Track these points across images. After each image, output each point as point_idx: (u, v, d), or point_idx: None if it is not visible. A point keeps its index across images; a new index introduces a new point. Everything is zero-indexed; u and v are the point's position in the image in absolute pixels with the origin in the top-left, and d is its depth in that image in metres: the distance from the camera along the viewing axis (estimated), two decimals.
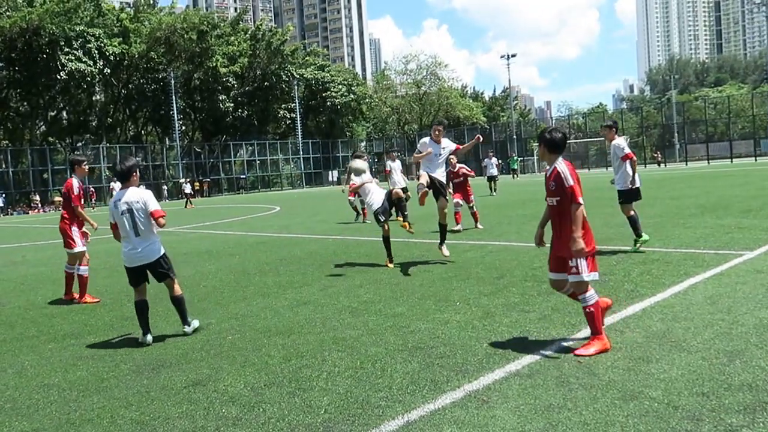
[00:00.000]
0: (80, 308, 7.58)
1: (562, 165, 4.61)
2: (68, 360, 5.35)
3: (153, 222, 5.80)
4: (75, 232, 8.10)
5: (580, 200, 4.51)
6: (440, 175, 9.16)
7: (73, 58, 52.12)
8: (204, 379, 4.64)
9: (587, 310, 4.58)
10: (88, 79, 53.60)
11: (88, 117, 61.35)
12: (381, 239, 9.41)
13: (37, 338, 6.21)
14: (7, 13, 50.55)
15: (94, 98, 60.12)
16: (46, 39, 50.83)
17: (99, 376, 4.86)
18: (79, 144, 59.74)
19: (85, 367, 5.11)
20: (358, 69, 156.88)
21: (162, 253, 5.92)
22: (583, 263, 4.54)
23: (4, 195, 47.68)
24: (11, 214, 44.91)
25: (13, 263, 12.50)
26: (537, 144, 5.05)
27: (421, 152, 9.02)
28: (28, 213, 46.03)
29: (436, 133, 9.14)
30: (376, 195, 9.33)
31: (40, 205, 48.70)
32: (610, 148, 9.23)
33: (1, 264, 12.40)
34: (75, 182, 8.02)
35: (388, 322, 5.85)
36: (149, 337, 5.71)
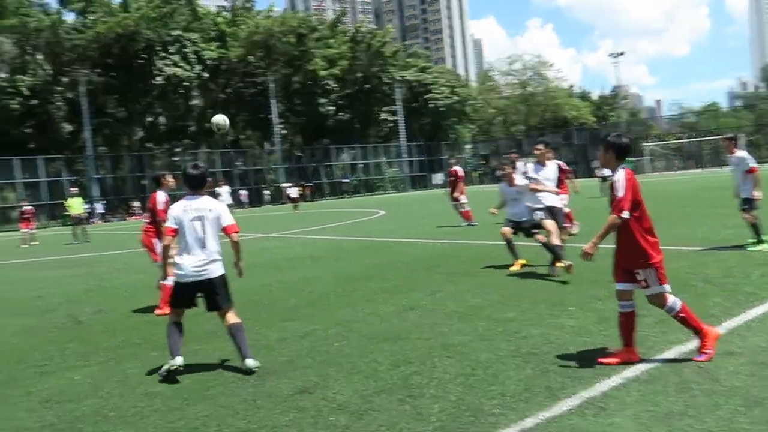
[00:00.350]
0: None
1: (620, 174, 4.70)
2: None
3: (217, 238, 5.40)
4: (157, 244, 8.34)
5: (623, 214, 4.58)
6: (551, 199, 9.10)
7: (169, 62, 55.39)
8: (311, 386, 4.74)
9: (678, 317, 4.74)
10: (186, 83, 56.73)
11: (186, 122, 64.87)
12: (504, 242, 9.54)
13: (140, 346, 6.52)
14: (103, 19, 54.44)
15: (191, 103, 63.50)
16: (142, 44, 54.34)
17: (203, 384, 5.02)
18: (177, 150, 63.25)
19: (189, 375, 5.28)
20: (461, 70, 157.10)
21: (224, 272, 5.46)
22: (652, 275, 4.64)
23: (105, 202, 51.25)
24: (110, 221, 48.09)
25: (116, 270, 13.32)
26: (600, 148, 5.06)
27: (533, 179, 9.11)
28: (126, 219, 49.14)
29: (538, 152, 9.22)
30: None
31: (139, 211, 52.13)
32: (732, 160, 10.01)
33: (104, 271, 13.23)
34: (161, 196, 8.34)
35: (498, 328, 5.99)
36: (179, 359, 5.18)
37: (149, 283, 10.99)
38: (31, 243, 24.48)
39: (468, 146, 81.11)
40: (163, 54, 55.44)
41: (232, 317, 5.43)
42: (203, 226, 5.34)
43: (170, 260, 5.57)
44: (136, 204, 52.81)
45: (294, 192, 36.39)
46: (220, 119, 8.39)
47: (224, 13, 66.86)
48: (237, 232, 5.52)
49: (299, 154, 67.80)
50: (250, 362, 5.21)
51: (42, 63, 56.29)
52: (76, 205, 24.57)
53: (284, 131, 66.43)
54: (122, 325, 7.63)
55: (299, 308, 7.75)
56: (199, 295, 5.38)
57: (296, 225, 23.82)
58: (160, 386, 5.07)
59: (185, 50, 56.57)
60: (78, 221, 24.49)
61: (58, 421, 4.49)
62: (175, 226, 5.35)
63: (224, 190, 29.35)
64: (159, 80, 55.12)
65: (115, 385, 5.19)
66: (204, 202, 5.44)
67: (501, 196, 9.88)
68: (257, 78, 62.97)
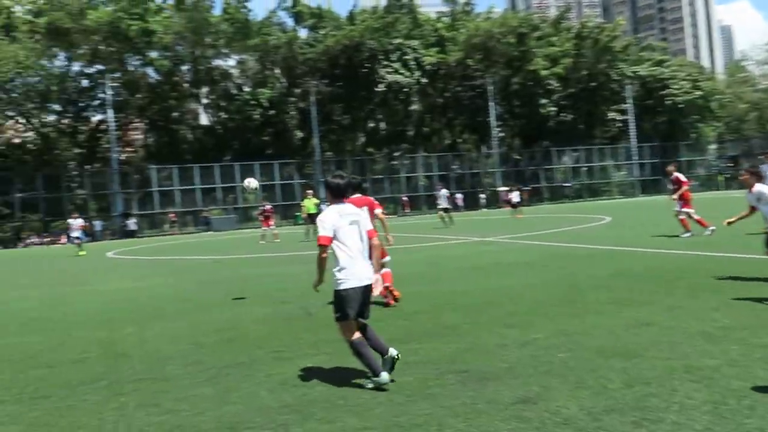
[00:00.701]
0: (403, 314, 8.19)
1: None
2: (396, 364, 5.77)
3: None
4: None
5: None
6: None
7: (391, 70, 57.87)
8: (533, 396, 4.64)
9: None
10: (406, 89, 58.91)
11: (404, 127, 67.30)
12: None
13: None
14: (332, 33, 58.39)
15: (410, 108, 65.78)
16: (366, 54, 57.41)
17: (425, 383, 5.15)
18: (396, 154, 65.82)
19: (411, 372, 5.46)
20: (705, 62, 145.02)
21: None
22: None
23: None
24: None
25: None
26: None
27: None
28: None
29: None
30: None
31: None
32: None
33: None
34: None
35: (755, 353, 5.34)
36: (393, 351, 5.21)
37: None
38: (274, 240, 27.04)
39: (712, 147, 74.50)
40: (386, 62, 58.07)
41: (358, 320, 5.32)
42: (360, 230, 5.35)
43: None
44: None
45: (515, 196, 35.99)
46: (252, 184, 10.80)
47: (444, 18, 68.36)
48: (375, 236, 5.53)
49: (517, 157, 67.21)
50: (393, 351, 5.22)
51: (279, 77, 61.80)
52: (311, 206, 26.72)
53: (502, 134, 66.27)
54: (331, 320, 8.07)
55: (518, 315, 7.64)
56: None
57: (514, 230, 23.60)
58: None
59: (406, 57, 58.75)
60: (311, 221, 26.56)
61: (294, 402, 4.87)
62: (330, 235, 5.21)
63: (442, 193, 29.95)
64: (381, 87, 57.80)
65: (341, 376, 5.50)
66: (351, 208, 5.42)
67: (748, 204, 9.06)
68: (475, 81, 63.52)
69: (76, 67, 57.05)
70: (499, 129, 64.15)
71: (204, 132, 63.25)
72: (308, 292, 10.58)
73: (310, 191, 29.04)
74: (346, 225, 5.28)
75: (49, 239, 48.85)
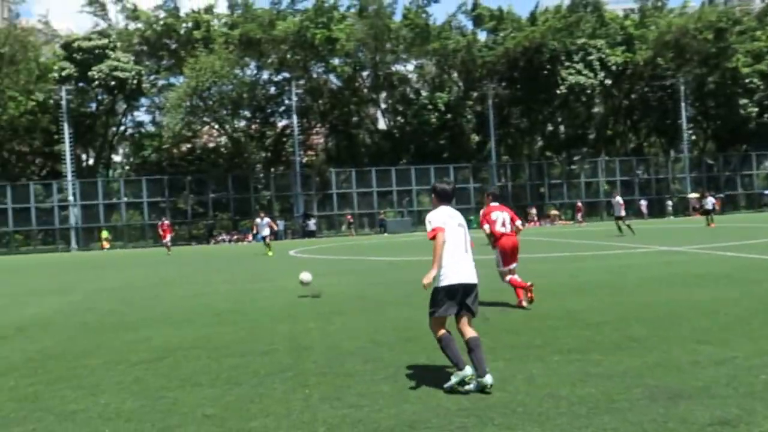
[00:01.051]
0: (584, 324, 7.94)
1: None
2: (576, 374, 5.62)
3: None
4: None
5: None
6: None
7: (573, 71, 56.16)
8: (733, 419, 4.33)
9: None
10: (588, 91, 56.90)
11: (585, 130, 65.04)
12: None
13: (543, 348, 6.72)
14: (512, 35, 57.74)
15: (592, 110, 63.44)
16: (547, 55, 56.16)
17: (609, 396, 4.96)
18: (576, 158, 63.76)
19: (593, 384, 5.29)
20: None
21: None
22: None
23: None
24: None
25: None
26: None
27: None
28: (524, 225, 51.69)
29: None
30: None
31: (536, 218, 54.34)
32: None
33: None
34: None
35: None
36: (489, 378, 5.21)
37: (548, 288, 11.33)
38: None
39: None
40: (568, 63, 56.48)
41: (471, 330, 5.49)
42: (465, 233, 5.68)
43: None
44: (533, 211, 55.11)
45: (708, 203, 33.55)
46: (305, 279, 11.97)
47: (632, 15, 65.19)
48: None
49: (710, 161, 62.53)
50: (489, 379, 5.22)
51: (456, 80, 62.20)
52: None
53: (694, 137, 62.00)
54: (524, 325, 7.98)
55: (712, 331, 7.15)
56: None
57: (704, 239, 22.02)
58: (564, 390, 5.17)
59: (590, 58, 56.76)
60: None
61: (472, 406, 4.89)
62: (441, 226, 5.54)
63: (615, 201, 28.24)
64: (561, 89, 56.30)
65: (520, 383, 5.45)
66: (455, 212, 5.79)
67: None
68: (665, 81, 59.96)
69: (264, 75, 61.15)
70: (690, 131, 60.07)
71: (382, 136, 65.11)
72: (482, 295, 10.63)
73: (490, 196, 28.95)
74: (455, 226, 5.63)
75: (237, 237, 52.77)
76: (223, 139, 64.81)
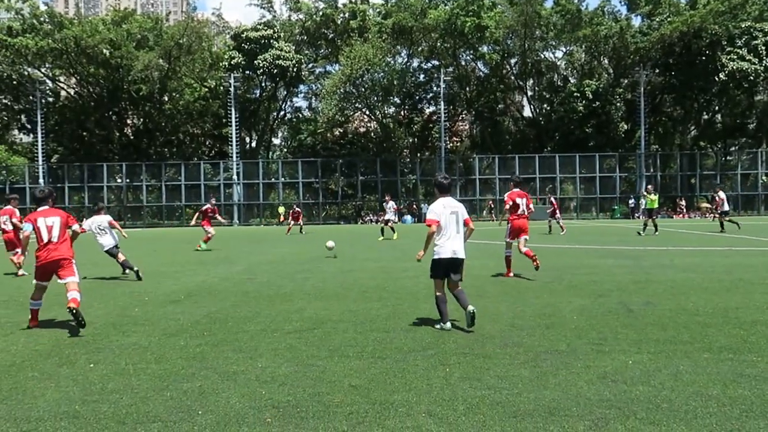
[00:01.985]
0: (737, 322, 7.41)
1: None
2: (727, 374, 5.26)
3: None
4: None
5: None
6: None
7: (734, 57, 51.90)
8: None
9: None
10: (751, 78, 52.40)
11: (745, 119, 60.18)
12: None
13: (691, 345, 6.34)
14: (668, 19, 54.18)
15: (754, 98, 58.51)
16: (707, 40, 52.23)
17: (764, 400, 4.60)
18: (732, 149, 59.29)
19: (747, 385, 4.93)
20: None
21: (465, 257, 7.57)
22: None
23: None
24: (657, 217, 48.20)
25: (660, 266, 13.27)
26: None
27: None
28: (672, 217, 48.70)
29: None
30: None
31: (685, 210, 51.12)
32: None
33: (649, 266, 13.32)
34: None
35: None
36: (471, 308, 7.24)
37: (698, 282, 10.65)
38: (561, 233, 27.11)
39: None
40: (729, 48, 52.27)
41: (456, 287, 7.51)
42: (457, 218, 7.49)
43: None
44: (682, 203, 51.96)
45: None
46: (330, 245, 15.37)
47: None
48: (467, 221, 7.63)
49: None
50: (471, 308, 7.25)
51: (606, 67, 59.48)
52: (653, 201, 25.87)
53: None
54: (671, 320, 7.56)
55: None
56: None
57: None
58: (714, 390, 4.85)
59: (755, 42, 52.17)
60: (650, 215, 25.73)
61: (614, 399, 4.71)
62: (438, 219, 7.40)
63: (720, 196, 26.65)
64: (721, 76, 52.24)
65: (666, 378, 5.18)
66: (453, 201, 7.65)
67: None
68: None
69: (414, 63, 61.58)
70: None
71: (527, 123, 63.77)
72: (626, 286, 10.24)
73: (651, 186, 27.80)
74: (448, 214, 7.47)
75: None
76: (373, 125, 66.06)
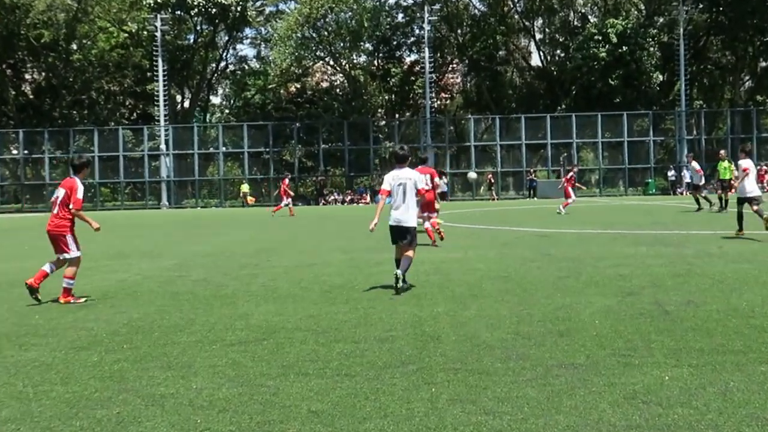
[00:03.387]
0: None
1: None
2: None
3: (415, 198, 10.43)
4: None
5: None
6: None
7: None
8: None
9: None
10: None
11: None
12: None
13: (744, 355, 6.37)
14: None
15: None
16: None
17: None
18: None
19: None
20: None
21: (413, 225, 10.49)
22: None
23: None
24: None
25: (707, 255, 13.38)
26: None
27: None
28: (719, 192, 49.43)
29: None
30: None
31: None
32: None
33: (692, 254, 13.42)
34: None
35: None
36: (399, 272, 10.00)
37: (754, 275, 10.75)
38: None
39: None
40: None
41: (411, 254, 10.38)
42: (404, 189, 10.30)
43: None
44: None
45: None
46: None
47: None
48: (421, 191, 10.48)
49: None
50: (398, 272, 10.02)
51: (636, 2, 59.65)
52: (725, 170, 25.91)
53: None
54: (719, 324, 7.60)
55: None
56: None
57: None
58: None
59: None
60: (722, 187, 26.13)
61: (645, 424, 4.70)
62: (388, 189, 10.44)
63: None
64: None
65: (712, 397, 5.19)
66: (406, 172, 10.49)
67: None
68: None
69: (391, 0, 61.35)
70: None
71: (535, 75, 63.97)
72: (662, 282, 10.31)
73: (723, 151, 28.10)
74: (396, 186, 10.37)
75: (351, 197, 53.73)
76: (339, 79, 65.90)
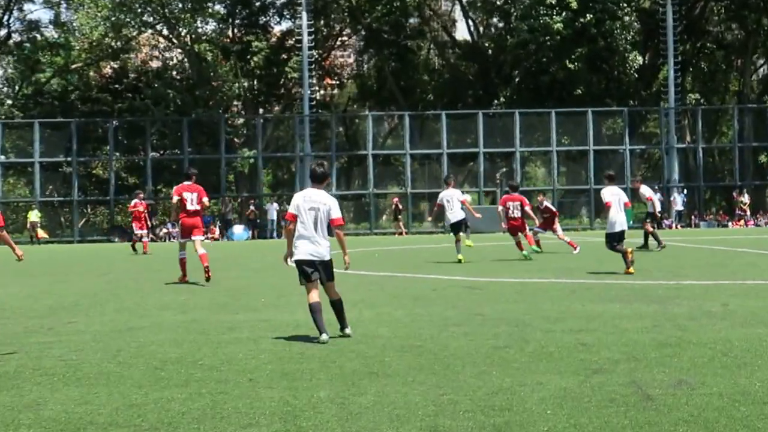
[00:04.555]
0: None
1: None
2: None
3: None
4: None
5: None
6: None
7: None
8: None
9: None
10: None
11: None
12: None
13: None
14: None
15: None
16: None
17: None
18: None
19: None
20: None
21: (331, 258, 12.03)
22: None
23: None
24: None
25: (704, 314, 13.75)
26: None
27: None
28: (728, 224, 52.56)
29: None
30: None
31: (748, 210, 53.96)
32: None
33: (684, 314, 13.77)
34: None
35: None
36: (325, 336, 11.50)
37: None
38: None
39: None
40: None
41: (334, 293, 12.01)
42: (317, 215, 11.69)
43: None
44: (743, 199, 54.02)
45: None
46: None
47: None
48: (340, 225, 11.91)
49: None
50: (348, 330, 12.02)
51: None
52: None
53: None
54: (722, 414, 7.71)
55: None
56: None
57: None
58: None
59: None
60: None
61: None
62: (295, 213, 11.70)
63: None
64: None
65: None
66: (322, 194, 11.90)
67: None
68: None
69: None
70: None
71: (461, 54, 64.75)
72: (642, 353, 10.48)
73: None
74: (306, 209, 11.66)
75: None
76: (177, 56, 65.50)
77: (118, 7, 55.54)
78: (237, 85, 63.02)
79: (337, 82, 71.19)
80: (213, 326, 13.72)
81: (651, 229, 31.20)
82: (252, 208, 53.25)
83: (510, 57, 59.21)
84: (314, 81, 56.60)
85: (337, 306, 11.90)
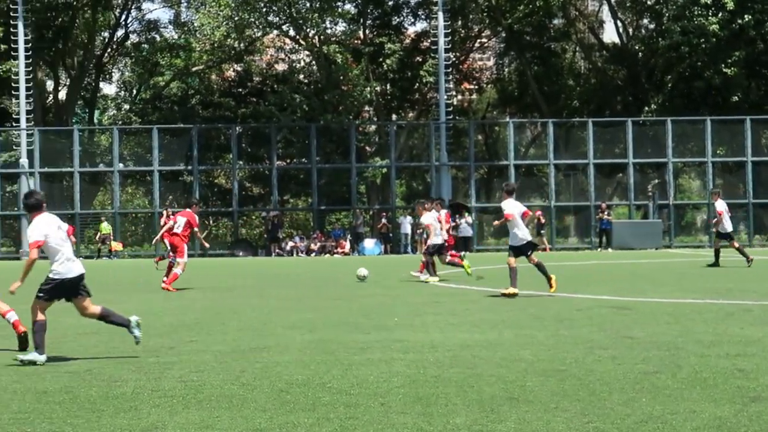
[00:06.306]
0: None
1: None
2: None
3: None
4: None
5: None
6: None
7: None
8: None
9: None
10: None
11: None
12: None
13: None
14: None
15: None
16: None
17: None
18: None
19: None
20: None
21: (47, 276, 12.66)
22: None
23: None
24: None
25: None
26: None
27: None
28: None
29: None
30: None
31: None
32: None
33: None
34: None
35: None
36: (42, 358, 11.88)
37: None
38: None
39: None
40: None
41: (93, 308, 12.72)
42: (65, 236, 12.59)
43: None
44: None
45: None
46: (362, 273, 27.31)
47: None
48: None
49: None
50: (134, 318, 12.85)
51: None
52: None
53: None
54: None
55: None
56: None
57: None
58: None
59: None
60: None
61: None
62: (44, 239, 12.08)
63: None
64: None
65: None
66: (56, 218, 12.62)
67: None
68: None
69: None
70: None
71: (609, 57, 64.41)
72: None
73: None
74: (56, 229, 12.27)
75: (320, 243, 53.73)
76: (304, 58, 66.19)
77: (242, 6, 56.24)
78: (368, 89, 63.28)
79: (476, 87, 71.20)
80: (342, 347, 13.84)
81: (737, 245, 32.28)
82: (384, 221, 53.53)
83: (661, 61, 58.71)
84: (451, 85, 56.70)
85: (113, 314, 12.95)
